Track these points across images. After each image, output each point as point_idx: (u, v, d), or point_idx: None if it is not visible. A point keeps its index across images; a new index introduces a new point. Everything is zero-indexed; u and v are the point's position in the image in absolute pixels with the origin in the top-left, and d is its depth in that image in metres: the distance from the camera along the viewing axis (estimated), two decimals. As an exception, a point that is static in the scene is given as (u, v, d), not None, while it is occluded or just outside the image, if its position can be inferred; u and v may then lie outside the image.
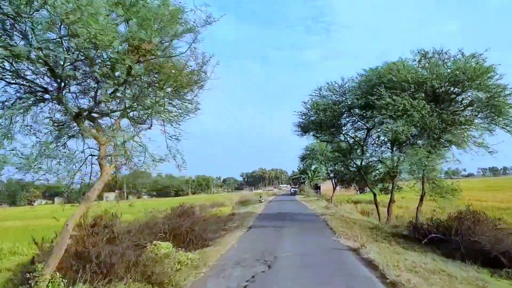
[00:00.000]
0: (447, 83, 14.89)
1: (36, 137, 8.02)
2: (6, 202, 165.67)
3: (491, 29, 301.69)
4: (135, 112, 8.86)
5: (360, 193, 74.80)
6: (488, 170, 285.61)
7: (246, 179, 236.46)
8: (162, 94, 8.46)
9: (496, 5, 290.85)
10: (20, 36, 6.17)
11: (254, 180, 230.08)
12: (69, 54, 6.55)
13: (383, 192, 28.14)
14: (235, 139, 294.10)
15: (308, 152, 45.77)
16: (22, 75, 6.90)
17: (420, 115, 14.02)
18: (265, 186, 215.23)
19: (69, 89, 7.91)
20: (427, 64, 15.62)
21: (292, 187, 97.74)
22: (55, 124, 8.39)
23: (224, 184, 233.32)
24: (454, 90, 15.39)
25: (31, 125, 7.95)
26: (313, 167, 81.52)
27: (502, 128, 15.01)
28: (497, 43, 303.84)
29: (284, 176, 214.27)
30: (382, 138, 19.99)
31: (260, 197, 51.31)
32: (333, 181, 46.98)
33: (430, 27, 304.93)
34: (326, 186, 76.17)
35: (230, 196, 71.53)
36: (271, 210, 31.91)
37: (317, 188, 77.29)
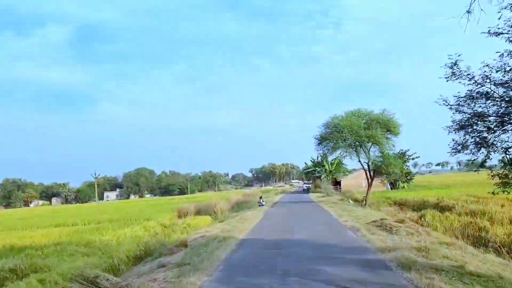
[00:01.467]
0: None
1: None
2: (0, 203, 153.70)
3: None
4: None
5: (391, 188, 58.55)
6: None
7: (255, 175, 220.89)
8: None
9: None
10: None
11: (264, 175, 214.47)
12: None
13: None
14: (244, 134, 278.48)
15: (330, 130, 29.62)
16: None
17: None
18: (275, 182, 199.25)
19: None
20: None
21: (304, 183, 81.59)
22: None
23: (233, 181, 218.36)
24: None
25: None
26: (331, 158, 65.17)
27: None
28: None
29: (296, 171, 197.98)
30: None
31: (260, 198, 35.41)
32: (369, 174, 30.78)
33: (439, 18, 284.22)
34: (348, 181, 59.88)
35: (229, 196, 55.84)
36: (268, 230, 15.99)
37: (336, 183, 61.05)
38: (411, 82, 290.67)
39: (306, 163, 71.99)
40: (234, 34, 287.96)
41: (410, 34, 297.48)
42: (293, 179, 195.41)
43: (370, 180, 30.75)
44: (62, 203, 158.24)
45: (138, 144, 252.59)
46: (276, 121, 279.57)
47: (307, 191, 69.00)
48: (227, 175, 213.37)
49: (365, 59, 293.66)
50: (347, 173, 65.18)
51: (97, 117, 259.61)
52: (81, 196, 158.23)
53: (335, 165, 62.61)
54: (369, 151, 29.84)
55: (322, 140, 30.44)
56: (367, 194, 30.70)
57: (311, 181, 73.31)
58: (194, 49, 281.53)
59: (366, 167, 31.74)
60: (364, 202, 30.30)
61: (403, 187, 56.86)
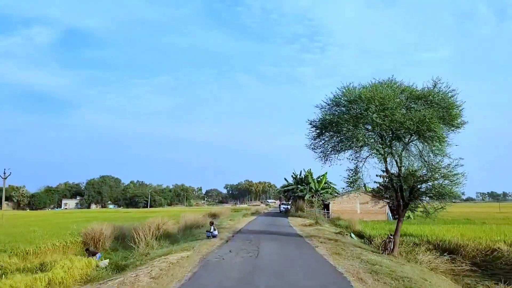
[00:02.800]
0: None
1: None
2: None
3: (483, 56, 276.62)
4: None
5: (394, 219, 45.14)
6: (487, 195, 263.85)
7: (230, 192, 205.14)
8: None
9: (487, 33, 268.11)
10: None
11: (239, 193, 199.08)
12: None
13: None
14: (223, 149, 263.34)
15: (341, 110, 15.91)
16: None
17: None
18: (250, 200, 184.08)
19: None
20: None
21: (282, 204, 66.96)
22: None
23: (207, 196, 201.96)
24: None
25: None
26: (316, 175, 51.32)
27: None
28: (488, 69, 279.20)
29: (273, 190, 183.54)
30: None
31: (211, 225, 20.62)
32: (401, 196, 16.90)
33: (422, 52, 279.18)
34: (339, 205, 46.10)
35: (185, 214, 41.32)
36: None
37: (324, 207, 47.07)
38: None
39: (286, 179, 58.08)
40: (221, 50, 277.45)
41: (393, 64, 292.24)
42: (269, 198, 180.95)
43: (401, 208, 16.96)
44: (14, 209, 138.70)
45: (111, 153, 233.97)
46: (256, 139, 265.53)
47: (285, 212, 54.97)
48: (200, 189, 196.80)
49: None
50: (335, 194, 51.60)
51: (72, 123, 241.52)
52: (35, 201, 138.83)
53: (322, 183, 48.96)
54: (401, 154, 16.22)
55: (324, 128, 16.63)
56: (395, 232, 16.85)
57: (290, 202, 59.26)
58: (179, 62, 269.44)
59: (387, 182, 18.22)
60: (391, 245, 16.42)
61: (408, 216, 43.55)
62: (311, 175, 50.23)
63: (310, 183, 48.65)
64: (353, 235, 24.29)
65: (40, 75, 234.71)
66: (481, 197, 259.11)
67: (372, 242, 22.04)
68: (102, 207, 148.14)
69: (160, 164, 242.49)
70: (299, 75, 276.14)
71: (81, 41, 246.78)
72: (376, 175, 45.81)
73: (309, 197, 47.21)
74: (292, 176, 55.70)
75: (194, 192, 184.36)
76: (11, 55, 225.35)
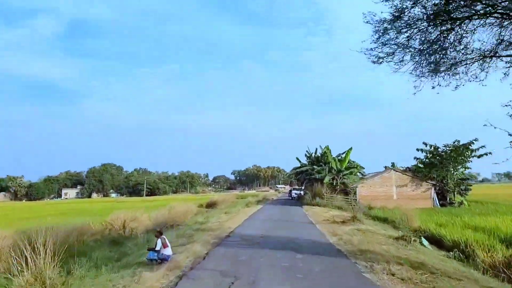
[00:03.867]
0: None
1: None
2: None
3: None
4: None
5: (441, 204, 34.42)
6: (503, 176, 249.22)
7: (238, 178, 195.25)
8: None
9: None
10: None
11: (247, 178, 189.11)
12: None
13: None
14: (231, 136, 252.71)
15: None
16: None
17: None
18: (259, 186, 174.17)
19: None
20: None
21: (293, 189, 56.10)
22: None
23: (214, 183, 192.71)
24: None
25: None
26: (334, 153, 40.23)
27: None
28: None
29: (282, 175, 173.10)
30: None
31: (159, 237, 9.91)
32: None
33: None
34: (369, 189, 35.11)
35: (174, 205, 31.20)
36: None
37: (346, 192, 36.08)
38: (400, 97, 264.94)
39: (298, 159, 46.88)
40: (227, 38, 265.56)
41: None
42: (279, 183, 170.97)
43: None
44: (11, 199, 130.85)
45: (116, 141, 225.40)
46: (263, 126, 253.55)
47: (297, 200, 44.42)
48: (207, 176, 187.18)
49: (356, 69, 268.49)
50: (359, 174, 40.81)
51: (78, 112, 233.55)
52: (32, 192, 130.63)
53: (345, 162, 38.02)
54: None
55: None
56: None
57: (303, 187, 48.49)
58: (185, 50, 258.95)
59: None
60: None
61: (461, 202, 32.65)
62: (330, 152, 39.52)
63: (329, 162, 37.83)
64: (425, 242, 13.66)
65: (45, 66, 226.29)
66: (497, 178, 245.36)
67: (476, 259, 11.38)
68: (104, 196, 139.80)
69: (165, 151, 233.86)
70: (306, 61, 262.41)
71: (86, 31, 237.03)
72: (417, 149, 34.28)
73: (329, 180, 36.51)
74: (305, 155, 44.89)
75: (200, 179, 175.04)
76: (17, 47, 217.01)
